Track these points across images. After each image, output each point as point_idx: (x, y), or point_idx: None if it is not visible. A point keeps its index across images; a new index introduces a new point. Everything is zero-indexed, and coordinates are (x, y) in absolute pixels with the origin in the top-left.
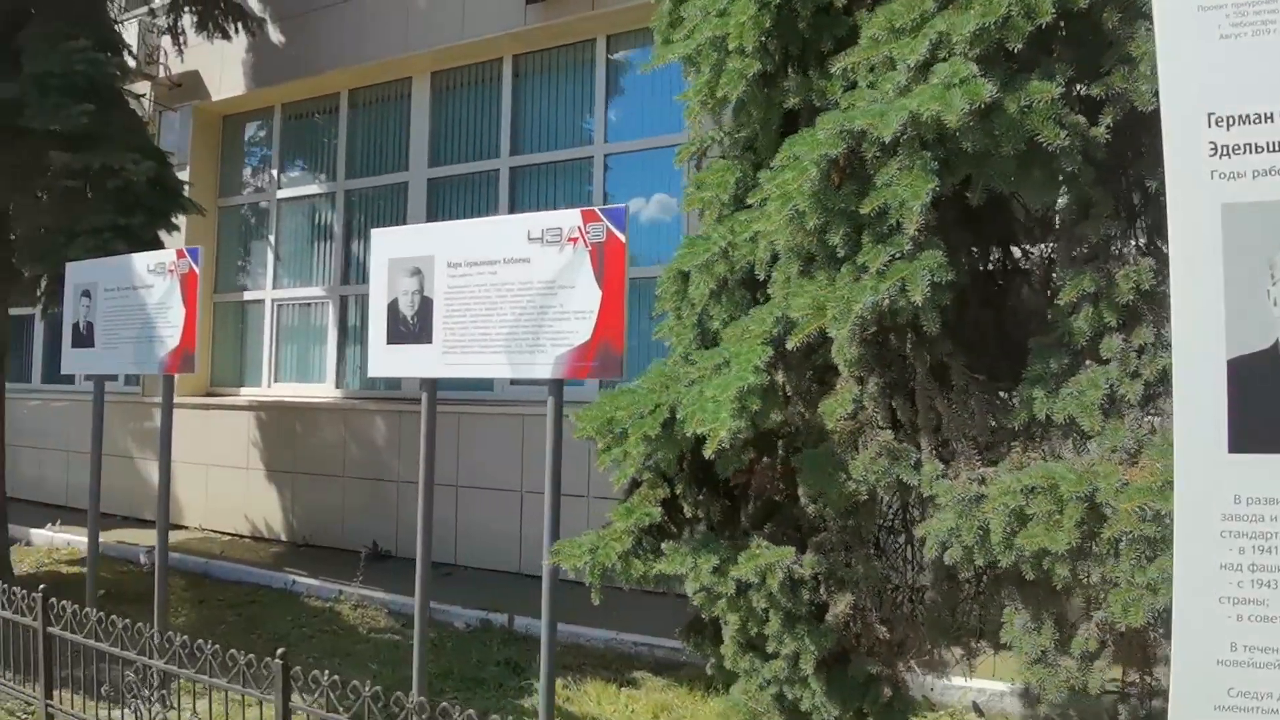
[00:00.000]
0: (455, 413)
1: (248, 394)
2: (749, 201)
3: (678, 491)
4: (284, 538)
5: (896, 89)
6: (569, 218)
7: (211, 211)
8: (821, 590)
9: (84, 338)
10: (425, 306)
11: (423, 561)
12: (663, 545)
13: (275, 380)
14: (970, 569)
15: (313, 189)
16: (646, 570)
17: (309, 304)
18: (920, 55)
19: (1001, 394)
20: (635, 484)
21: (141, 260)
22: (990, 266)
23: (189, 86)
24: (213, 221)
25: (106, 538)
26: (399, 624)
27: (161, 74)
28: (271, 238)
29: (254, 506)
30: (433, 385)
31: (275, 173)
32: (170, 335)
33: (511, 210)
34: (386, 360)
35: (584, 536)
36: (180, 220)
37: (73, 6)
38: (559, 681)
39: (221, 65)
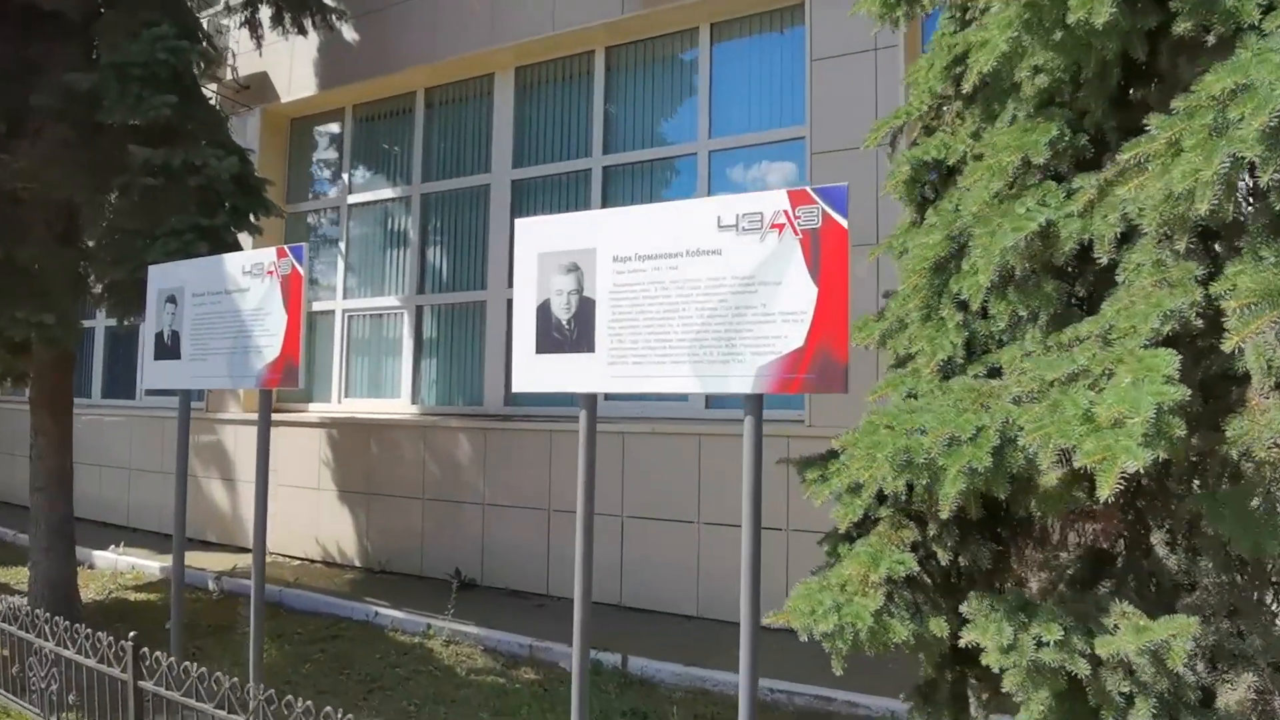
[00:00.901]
0: (546, 430)
1: (317, 410)
2: (1124, 159)
3: (931, 533)
4: (358, 563)
5: None
6: (773, 200)
7: (278, 219)
8: (1200, 668)
9: (169, 348)
10: (585, 309)
11: (582, 605)
12: (963, 607)
13: (346, 396)
14: None
15: (386, 193)
16: (909, 634)
17: (381, 315)
18: None
19: None
20: (868, 522)
21: (236, 261)
22: None
23: (256, 89)
24: (280, 229)
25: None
26: (499, 664)
27: (229, 76)
28: (342, 245)
29: (325, 530)
30: (593, 402)
31: (346, 177)
32: (269, 345)
33: None
34: (535, 373)
35: (810, 587)
36: (261, 222)
37: None
38: None
39: (290, 66)
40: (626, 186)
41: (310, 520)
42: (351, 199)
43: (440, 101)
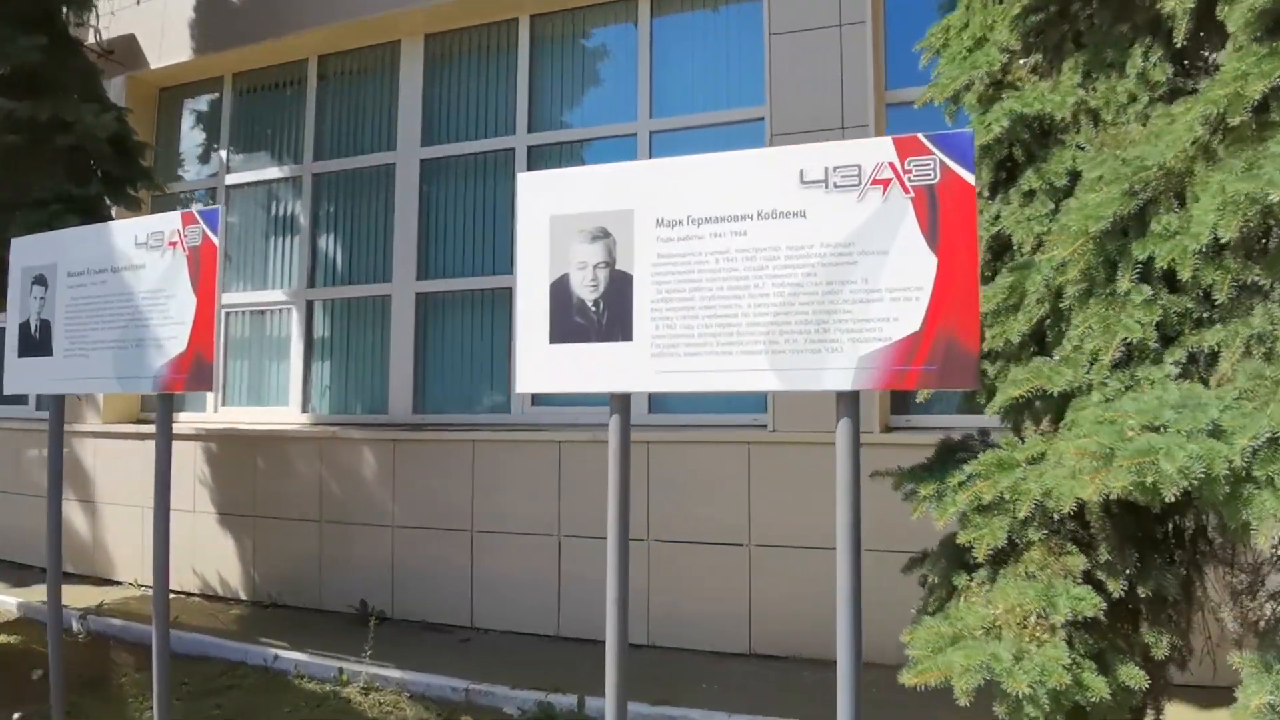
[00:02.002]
0: (467, 440)
1: (189, 420)
2: None
3: (1101, 559)
4: (244, 596)
5: None
6: (874, 150)
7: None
8: None
9: (37, 343)
10: (618, 286)
11: (617, 654)
12: (1232, 659)
13: (223, 404)
14: None
15: (271, 173)
16: (1108, 689)
17: (265, 311)
18: None
19: None
20: (1014, 547)
21: (127, 230)
22: None
23: (121, 53)
24: (145, 213)
25: (29, 596)
26: (433, 713)
27: (91, 38)
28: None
29: (204, 558)
30: (626, 404)
31: (224, 155)
32: (173, 337)
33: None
34: (549, 368)
35: (940, 633)
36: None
37: None
38: None
39: (162, 28)
40: (556, 168)
41: (185, 547)
42: (230, 179)
43: (336, 72)
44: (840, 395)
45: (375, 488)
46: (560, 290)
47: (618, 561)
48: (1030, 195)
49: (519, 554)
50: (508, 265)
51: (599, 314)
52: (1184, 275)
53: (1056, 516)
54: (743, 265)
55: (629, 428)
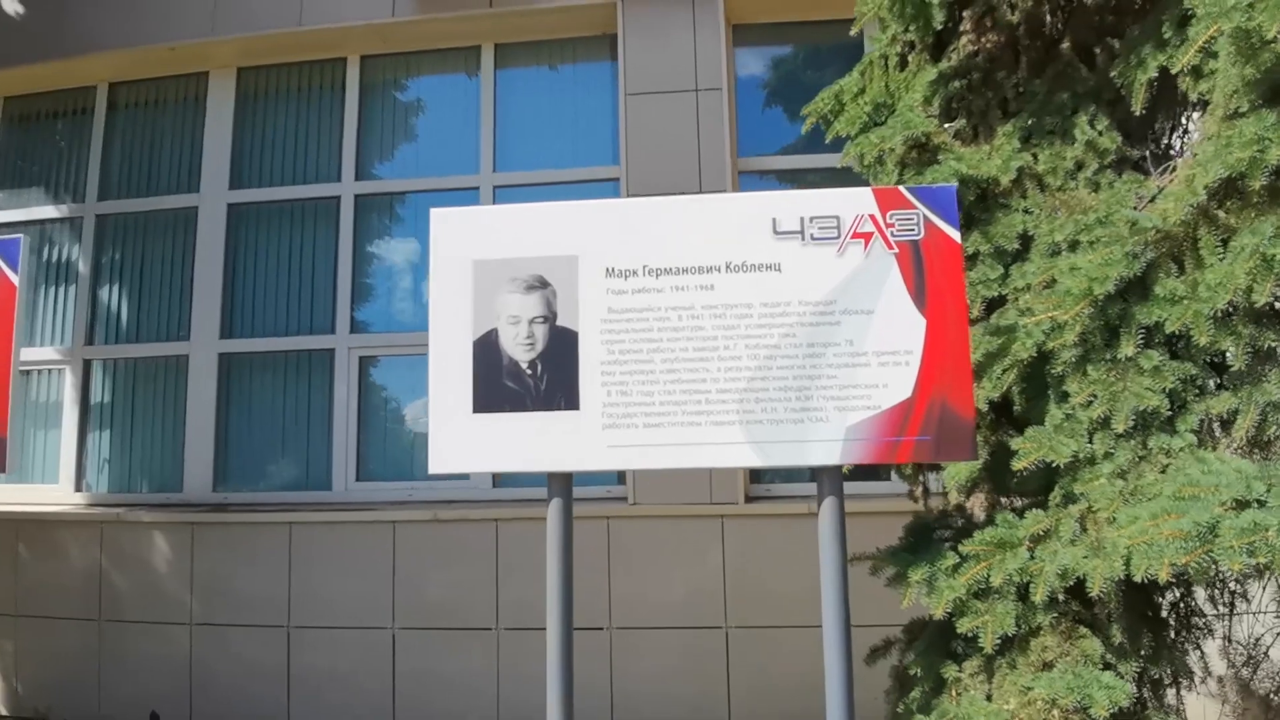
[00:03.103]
0: (282, 522)
1: None
2: None
3: (1115, 640)
4: (4, 710)
5: None
6: (853, 200)
7: None
8: None
9: None
10: (560, 345)
11: None
12: None
13: None
14: None
15: (45, 212)
16: None
17: (30, 371)
18: None
19: None
20: (1031, 633)
21: None
22: None
23: None
24: None
25: None
26: None
27: None
28: None
29: None
30: (568, 485)
31: None
32: None
33: (357, 249)
34: (472, 443)
35: None
36: None
37: None
38: None
39: None
40: (387, 220)
41: None
42: None
43: (131, 102)
44: (824, 471)
45: (169, 579)
46: (487, 349)
47: (561, 659)
48: (973, 259)
49: (346, 651)
50: (328, 324)
51: (537, 378)
52: (1200, 341)
53: (1061, 598)
54: (710, 323)
55: (571, 514)
